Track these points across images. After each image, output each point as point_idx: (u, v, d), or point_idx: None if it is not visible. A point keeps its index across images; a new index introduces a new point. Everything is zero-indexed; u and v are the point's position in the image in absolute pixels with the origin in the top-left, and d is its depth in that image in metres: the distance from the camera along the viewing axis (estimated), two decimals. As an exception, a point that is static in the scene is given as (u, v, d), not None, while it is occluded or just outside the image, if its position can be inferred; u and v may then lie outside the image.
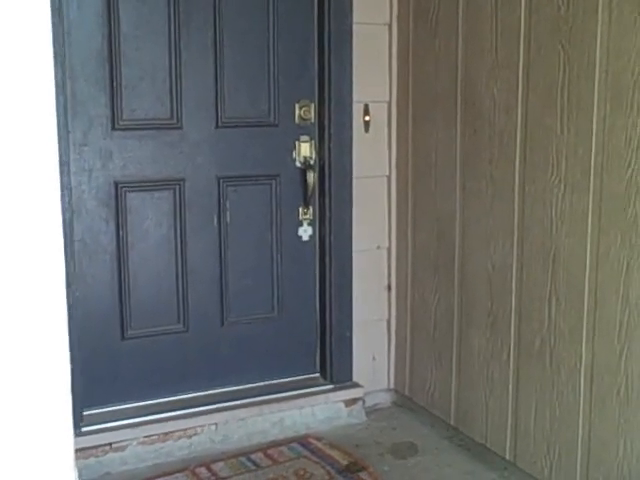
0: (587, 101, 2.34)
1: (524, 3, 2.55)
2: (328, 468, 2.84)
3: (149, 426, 2.92)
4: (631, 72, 2.19)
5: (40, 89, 0.91)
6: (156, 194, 3.00)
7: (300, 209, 3.23)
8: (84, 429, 2.83)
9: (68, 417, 0.95)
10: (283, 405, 3.14)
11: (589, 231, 2.36)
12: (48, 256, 0.88)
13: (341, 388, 3.29)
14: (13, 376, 0.88)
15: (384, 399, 3.43)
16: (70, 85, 2.81)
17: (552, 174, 2.48)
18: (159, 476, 2.79)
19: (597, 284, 2.35)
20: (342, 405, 3.26)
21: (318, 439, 3.07)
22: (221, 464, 2.87)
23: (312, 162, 3.20)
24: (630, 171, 2.21)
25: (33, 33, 0.89)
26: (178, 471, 2.82)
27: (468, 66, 2.85)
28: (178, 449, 2.94)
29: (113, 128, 2.90)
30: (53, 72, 0.94)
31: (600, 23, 2.27)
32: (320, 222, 3.27)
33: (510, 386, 2.73)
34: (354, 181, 3.24)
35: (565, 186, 2.44)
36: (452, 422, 3.06)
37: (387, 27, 3.25)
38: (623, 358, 2.27)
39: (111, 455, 2.83)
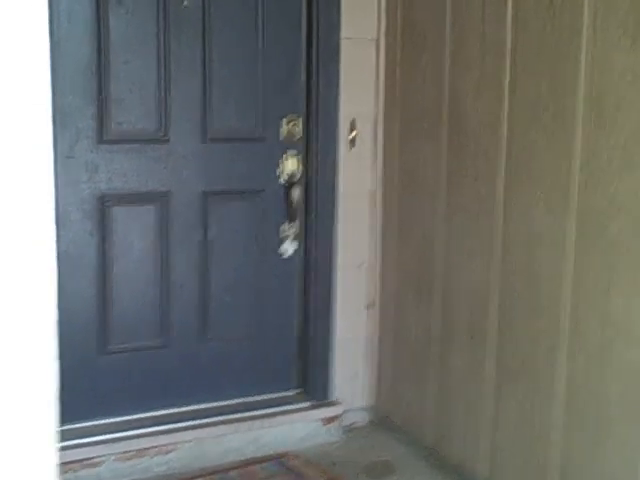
0: (570, 119, 2.35)
1: (510, 20, 2.57)
2: (305, 487, 2.83)
3: (126, 442, 2.89)
4: (615, 92, 2.20)
5: (36, 103, 0.91)
6: (141, 208, 2.99)
7: (284, 225, 3.23)
8: (61, 444, 2.80)
9: (52, 429, 0.95)
10: (261, 422, 3.12)
11: (570, 250, 2.37)
12: (41, 267, 0.88)
13: (320, 406, 3.28)
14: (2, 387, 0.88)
15: (362, 417, 3.42)
16: (57, 97, 2.80)
17: (535, 192, 2.49)
18: (135, 492, 2.78)
19: (577, 302, 2.36)
20: (320, 423, 3.25)
21: (295, 457, 3.06)
22: (198, 481, 2.85)
23: (298, 177, 3.21)
24: (612, 190, 2.22)
25: (31, 45, 0.89)
26: (154, 487, 2.81)
27: (455, 82, 2.86)
28: (155, 465, 2.91)
29: (100, 141, 2.88)
30: (50, 86, 0.95)
31: (585, 41, 2.29)
32: (304, 238, 3.27)
33: (489, 405, 2.73)
34: (339, 197, 3.25)
35: (547, 204, 2.45)
36: (429, 442, 3.06)
37: (375, 42, 3.25)
38: (601, 377, 2.28)
39: (87, 471, 2.80)
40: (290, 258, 3.26)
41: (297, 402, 3.28)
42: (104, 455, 2.83)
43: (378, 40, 3.27)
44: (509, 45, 2.59)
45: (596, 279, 2.29)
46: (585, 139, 2.31)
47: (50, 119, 0.94)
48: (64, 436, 2.94)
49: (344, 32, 3.18)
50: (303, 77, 3.20)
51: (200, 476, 2.88)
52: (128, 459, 2.87)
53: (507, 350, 2.64)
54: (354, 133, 3.26)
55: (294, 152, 3.20)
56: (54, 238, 0.91)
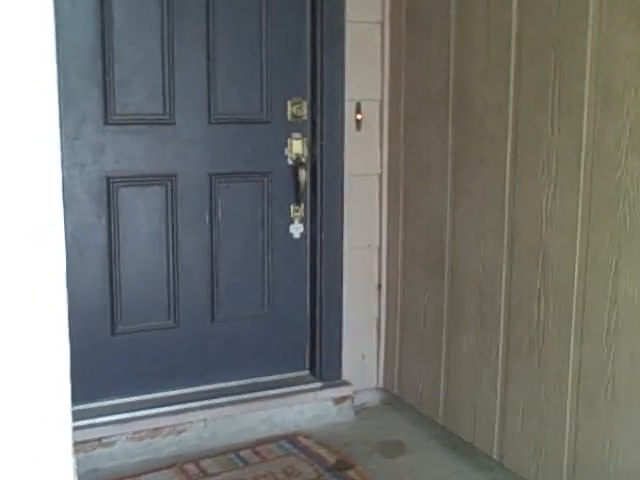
0: (577, 102, 2.34)
1: (516, 4, 2.56)
2: (316, 466, 2.84)
3: (138, 422, 2.91)
4: (621, 75, 2.19)
5: (43, 84, 0.91)
6: (148, 189, 3.00)
7: (292, 206, 3.23)
8: (73, 424, 2.82)
9: (67, 408, 0.96)
10: (272, 402, 3.14)
11: (578, 232, 2.37)
12: (49, 251, 0.89)
13: (330, 386, 3.29)
14: (15, 368, 0.89)
15: (373, 398, 3.44)
16: (62, 79, 2.80)
17: (542, 174, 2.49)
18: (147, 472, 2.79)
19: (586, 285, 2.36)
20: (331, 403, 3.26)
21: (307, 437, 3.08)
22: (209, 461, 2.87)
23: (304, 159, 3.21)
24: (619, 173, 2.21)
25: (37, 27, 0.89)
26: (166, 467, 2.82)
27: (460, 66, 2.85)
28: (167, 445, 2.93)
29: (105, 123, 2.89)
30: (55, 69, 0.95)
31: (590, 25, 2.28)
32: (311, 220, 3.27)
33: (498, 386, 2.74)
34: (346, 179, 3.25)
35: (555, 186, 2.45)
36: (440, 421, 3.07)
37: (380, 25, 3.25)
38: (610, 359, 2.28)
39: (100, 450, 2.83)
40: (298, 239, 3.27)
41: (308, 382, 3.30)
42: (116, 435, 2.86)
43: (383, 23, 3.25)
44: (515, 28, 2.57)
45: (605, 261, 2.28)
46: (592, 121, 2.30)
47: (56, 101, 0.95)
48: (77, 416, 2.97)
49: (349, 15, 3.17)
50: (308, 60, 3.19)
51: (212, 456, 2.90)
52: (140, 439, 2.89)
53: (516, 331, 2.64)
54: (360, 116, 3.25)
55: (299, 135, 3.20)
56: (62, 220, 0.91)
